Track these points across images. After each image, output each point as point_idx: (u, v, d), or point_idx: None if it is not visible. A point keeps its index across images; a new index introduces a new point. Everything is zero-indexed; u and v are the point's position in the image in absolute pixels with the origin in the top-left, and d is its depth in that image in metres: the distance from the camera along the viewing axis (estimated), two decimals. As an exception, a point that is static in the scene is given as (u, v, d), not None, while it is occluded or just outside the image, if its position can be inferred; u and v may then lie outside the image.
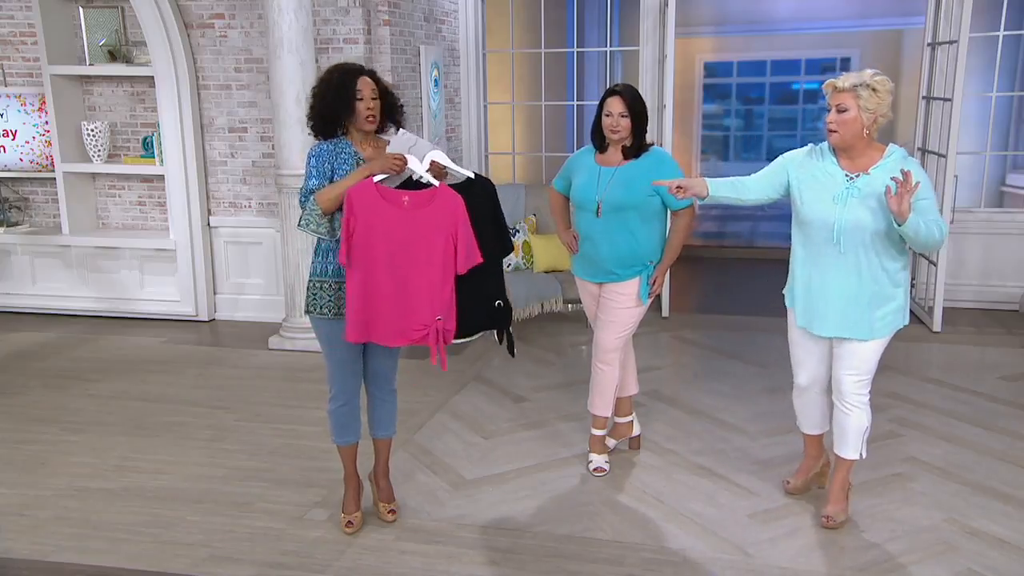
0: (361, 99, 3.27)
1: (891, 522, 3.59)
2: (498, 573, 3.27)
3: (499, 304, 3.38)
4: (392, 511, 3.65)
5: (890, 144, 3.36)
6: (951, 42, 6.01)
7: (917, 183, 3.06)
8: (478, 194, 3.36)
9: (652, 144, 3.90)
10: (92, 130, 6.55)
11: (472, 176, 3.39)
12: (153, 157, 6.58)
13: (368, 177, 3.19)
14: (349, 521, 3.57)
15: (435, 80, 6.79)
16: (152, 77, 6.37)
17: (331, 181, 3.27)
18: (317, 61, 5.89)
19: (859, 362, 3.42)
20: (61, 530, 3.60)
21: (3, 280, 6.89)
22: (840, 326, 3.40)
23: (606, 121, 3.80)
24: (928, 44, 6.53)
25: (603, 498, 3.84)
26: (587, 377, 5.28)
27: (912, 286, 6.84)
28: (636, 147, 3.83)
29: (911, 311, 6.68)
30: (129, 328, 6.51)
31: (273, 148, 6.01)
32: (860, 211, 3.25)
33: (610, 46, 7.79)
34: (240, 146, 6.44)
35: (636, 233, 3.83)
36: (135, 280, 6.68)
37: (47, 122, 6.63)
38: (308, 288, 3.42)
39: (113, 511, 3.75)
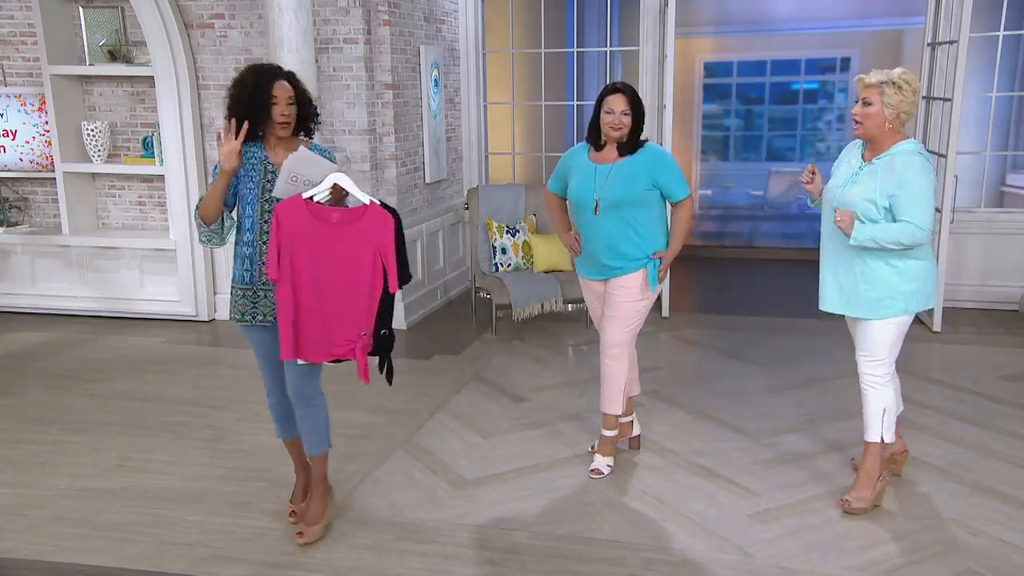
0: (276, 103, 3.19)
1: (891, 522, 3.59)
2: (498, 573, 3.27)
3: (384, 333, 3.32)
4: (300, 534, 3.46)
5: (908, 139, 3.48)
6: (951, 42, 6.01)
7: (841, 219, 3.41)
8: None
9: (646, 140, 3.91)
10: (92, 130, 6.55)
11: (373, 203, 3.25)
12: (153, 157, 6.58)
13: (298, 194, 3.18)
14: (293, 511, 3.62)
15: (435, 80, 6.79)
16: (152, 77, 6.37)
17: (236, 185, 3.27)
18: (317, 61, 5.90)
19: (867, 342, 3.60)
20: (61, 530, 3.60)
21: (3, 280, 6.89)
22: (837, 303, 3.62)
23: (607, 119, 3.80)
24: (928, 44, 6.53)
25: (603, 498, 3.84)
26: (587, 377, 5.30)
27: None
28: (632, 144, 3.84)
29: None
30: (129, 328, 6.51)
31: (273, 148, 6.01)
32: (854, 194, 3.47)
33: (610, 46, 7.79)
34: (240, 146, 6.43)
35: (636, 228, 3.84)
36: (135, 280, 6.68)
37: (47, 122, 6.63)
38: (231, 292, 3.42)
39: (113, 511, 3.75)
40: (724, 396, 5.03)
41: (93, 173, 6.83)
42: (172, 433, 4.58)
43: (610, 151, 3.87)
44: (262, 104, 3.19)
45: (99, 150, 6.60)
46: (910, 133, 6.33)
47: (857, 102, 3.51)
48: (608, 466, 4.06)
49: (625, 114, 3.77)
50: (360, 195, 3.25)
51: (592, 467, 4.06)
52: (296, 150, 3.21)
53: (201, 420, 4.76)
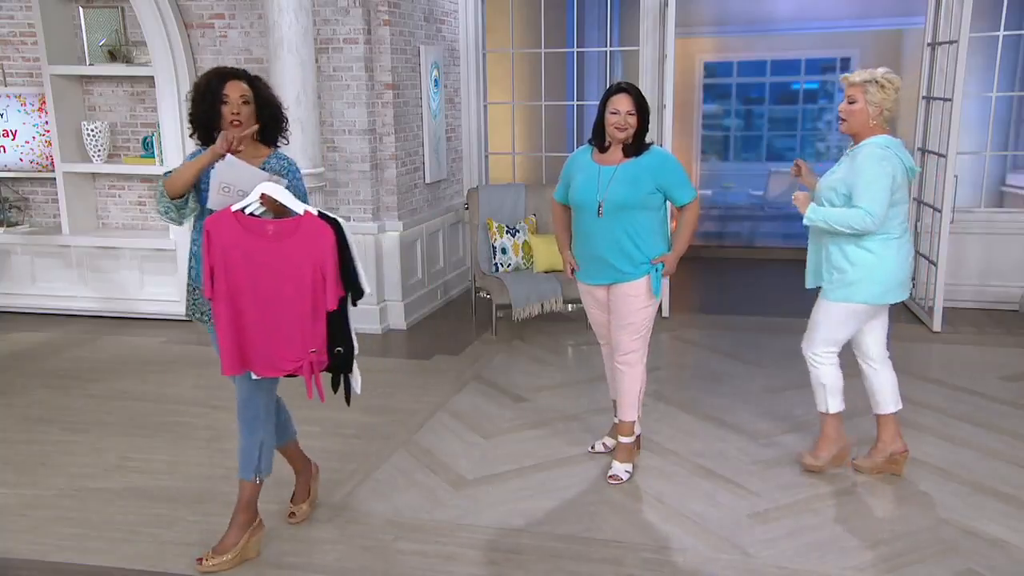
0: (226, 103, 3.08)
1: (891, 522, 3.59)
2: (498, 573, 3.27)
3: (338, 351, 3.17)
4: (199, 560, 3.26)
5: (883, 135, 3.70)
6: (951, 42, 6.01)
7: (795, 199, 3.80)
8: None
9: (651, 143, 3.88)
10: (92, 130, 6.55)
11: (308, 213, 3.08)
12: (153, 157, 6.58)
13: (228, 207, 3.03)
14: (292, 512, 3.63)
15: (435, 80, 6.79)
16: (152, 77, 6.37)
17: (196, 187, 3.16)
18: (317, 61, 5.90)
19: (812, 318, 3.92)
20: (61, 530, 3.60)
21: (3, 280, 6.89)
22: (811, 278, 3.95)
23: (613, 119, 3.74)
24: (928, 44, 6.53)
25: (603, 498, 3.83)
26: (587, 377, 5.30)
27: (912, 286, 6.83)
28: (637, 145, 3.80)
29: (912, 311, 6.69)
30: (129, 328, 6.51)
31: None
32: (826, 182, 3.79)
33: (610, 46, 7.79)
34: (240, 146, 6.43)
35: (639, 231, 3.80)
36: (135, 280, 6.68)
37: (47, 122, 6.63)
38: (187, 291, 3.32)
39: (113, 511, 3.75)
40: (724, 396, 5.03)
41: (93, 173, 6.83)
42: (172, 433, 4.58)
43: (615, 152, 3.82)
44: (213, 104, 3.08)
45: (99, 150, 6.60)
46: (910, 133, 6.34)
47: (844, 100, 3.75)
48: (627, 472, 4.01)
49: (631, 114, 3.73)
50: (293, 205, 3.05)
51: (611, 473, 4.00)
52: (254, 153, 3.12)
53: (201, 420, 4.76)
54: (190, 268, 3.29)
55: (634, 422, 4.04)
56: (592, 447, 4.26)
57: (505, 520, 3.64)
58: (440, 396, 5.06)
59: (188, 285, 3.32)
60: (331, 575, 3.27)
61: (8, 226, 6.89)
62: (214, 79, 3.12)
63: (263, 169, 3.18)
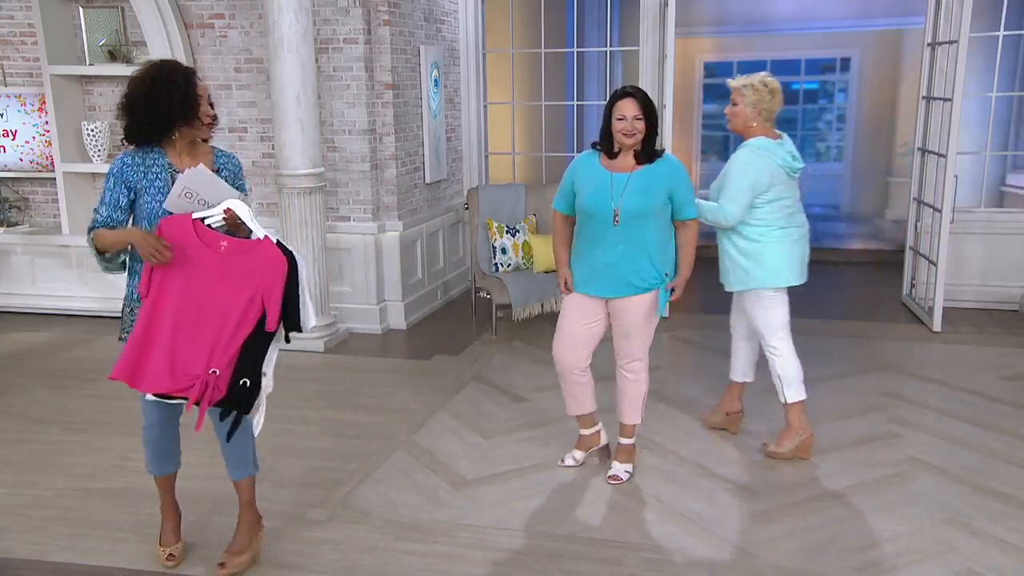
0: (200, 103, 3.01)
1: (891, 522, 3.59)
2: (498, 573, 3.27)
3: (244, 382, 2.98)
4: (221, 564, 3.23)
5: (760, 137, 3.99)
6: (951, 42, 6.01)
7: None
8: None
9: (663, 150, 3.78)
10: (92, 130, 6.55)
11: (268, 239, 3.03)
12: (153, 157, 6.57)
13: (188, 213, 2.93)
14: (171, 554, 3.31)
15: (435, 80, 6.79)
16: (152, 77, 6.36)
17: (132, 199, 3.00)
18: (317, 61, 5.90)
19: (747, 313, 4.21)
20: (61, 530, 3.60)
21: (3, 280, 6.89)
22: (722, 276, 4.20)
23: (619, 125, 3.63)
24: (928, 44, 6.53)
25: (603, 498, 3.83)
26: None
27: (913, 286, 6.84)
28: (649, 151, 3.69)
29: (912, 311, 6.69)
30: (129, 328, 6.51)
31: (273, 148, 6.01)
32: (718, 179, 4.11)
33: (610, 46, 7.79)
34: (240, 146, 6.43)
35: (653, 241, 3.70)
36: (135, 280, 6.67)
37: (47, 122, 6.63)
38: (122, 311, 3.13)
39: (113, 511, 3.75)
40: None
41: (93, 173, 6.82)
42: (172, 433, 4.58)
43: (627, 158, 3.70)
44: (192, 103, 2.98)
45: (99, 150, 6.60)
46: (910, 133, 6.34)
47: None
48: (627, 472, 4.00)
49: (638, 119, 3.61)
50: (256, 228, 3.00)
51: (611, 474, 3.99)
52: (198, 153, 3.05)
53: (201, 420, 4.75)
54: (128, 285, 3.11)
55: (636, 425, 4.02)
56: (562, 460, 4.15)
57: (505, 520, 3.64)
58: (440, 396, 5.06)
59: (124, 305, 3.13)
60: (331, 575, 3.27)
61: (8, 226, 6.89)
62: (179, 78, 3.00)
63: (216, 164, 3.14)
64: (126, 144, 3.07)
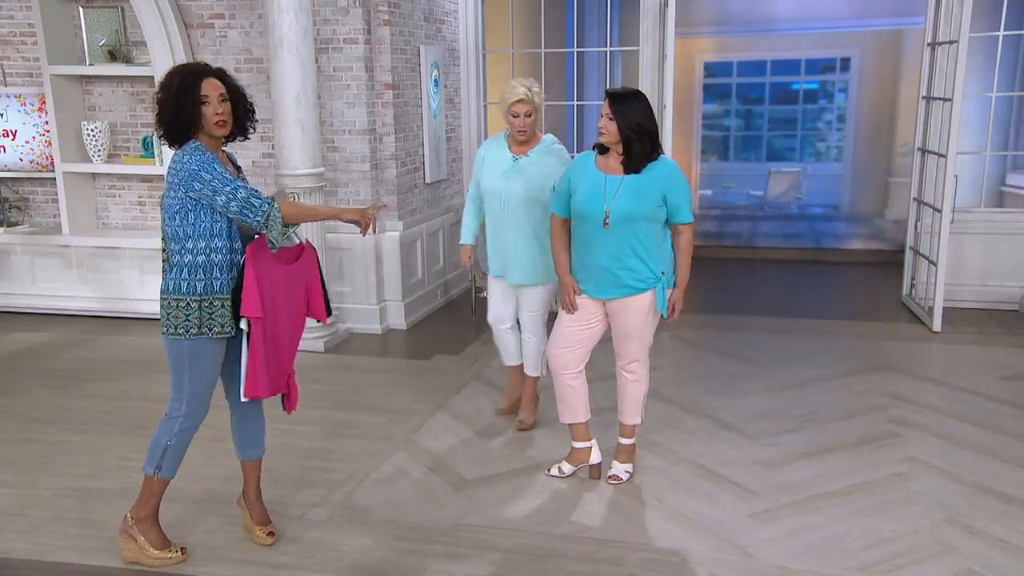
0: (207, 103, 3.01)
1: (891, 522, 3.59)
2: (498, 573, 3.27)
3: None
4: (271, 533, 3.46)
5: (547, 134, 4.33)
6: (951, 42, 6.01)
7: None
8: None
9: (661, 153, 3.71)
10: (92, 130, 6.55)
11: (309, 242, 3.39)
12: (153, 157, 6.58)
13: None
14: (181, 548, 3.39)
15: (435, 80, 6.79)
16: (152, 77, 6.35)
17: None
18: (317, 61, 5.90)
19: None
20: (61, 530, 3.60)
21: (3, 280, 6.89)
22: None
23: (600, 123, 3.65)
24: (928, 44, 6.53)
25: (603, 498, 3.84)
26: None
27: (913, 286, 6.85)
28: (646, 155, 3.62)
29: (912, 311, 6.69)
30: (129, 328, 6.51)
31: (273, 148, 6.01)
32: None
33: (610, 46, 7.79)
34: (240, 146, 6.42)
35: (645, 244, 3.68)
36: (135, 280, 6.67)
37: (47, 122, 6.63)
38: (162, 307, 3.13)
39: (113, 511, 3.75)
40: (724, 396, 5.03)
41: (93, 173, 6.83)
42: (172, 433, 4.57)
43: (612, 159, 3.68)
44: (192, 105, 3.00)
45: (99, 150, 6.60)
46: (910, 133, 6.36)
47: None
48: (627, 472, 3.99)
49: (610, 119, 3.58)
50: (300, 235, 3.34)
51: (611, 474, 3.98)
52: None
53: (201, 420, 4.75)
54: (167, 280, 3.12)
55: (636, 425, 4.02)
56: (548, 471, 4.09)
57: (505, 520, 3.64)
58: (440, 396, 5.06)
59: (186, 300, 3.09)
60: (331, 575, 3.27)
61: (8, 226, 6.89)
62: (188, 78, 3.02)
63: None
64: (168, 145, 3.14)
